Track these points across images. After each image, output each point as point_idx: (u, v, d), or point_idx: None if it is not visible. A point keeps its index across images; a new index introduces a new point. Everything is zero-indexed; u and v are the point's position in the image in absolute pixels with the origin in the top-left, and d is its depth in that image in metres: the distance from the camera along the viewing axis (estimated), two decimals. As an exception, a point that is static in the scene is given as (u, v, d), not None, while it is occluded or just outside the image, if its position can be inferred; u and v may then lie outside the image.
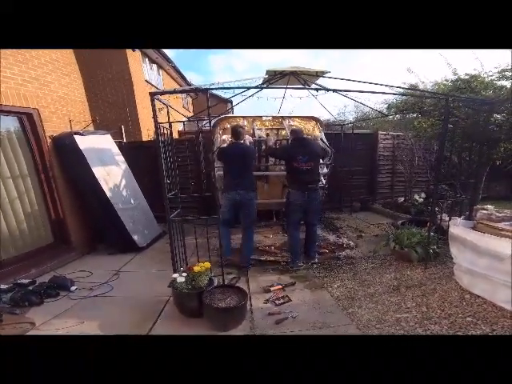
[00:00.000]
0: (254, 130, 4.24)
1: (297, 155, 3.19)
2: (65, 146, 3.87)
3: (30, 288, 2.91)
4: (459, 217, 3.15)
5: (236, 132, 3.30)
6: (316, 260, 3.48)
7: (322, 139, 4.35)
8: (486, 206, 3.65)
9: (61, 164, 3.96)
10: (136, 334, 2.23)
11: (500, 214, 3.03)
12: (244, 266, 3.35)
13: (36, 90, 3.62)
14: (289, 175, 3.39)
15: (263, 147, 4.12)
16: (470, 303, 2.43)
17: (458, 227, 2.76)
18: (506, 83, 3.73)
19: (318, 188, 3.41)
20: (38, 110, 3.64)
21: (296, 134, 3.39)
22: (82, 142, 3.94)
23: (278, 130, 4.45)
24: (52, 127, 3.88)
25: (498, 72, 3.73)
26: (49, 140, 3.80)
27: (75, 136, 3.90)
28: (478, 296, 2.50)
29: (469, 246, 2.57)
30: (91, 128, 4.66)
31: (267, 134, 4.25)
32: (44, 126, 3.73)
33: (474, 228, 2.71)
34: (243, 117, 4.49)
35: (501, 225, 2.54)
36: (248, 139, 3.67)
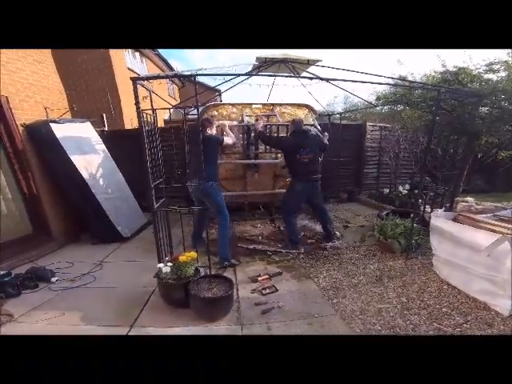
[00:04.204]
0: (243, 116, 4.17)
1: (299, 147, 3.29)
2: (40, 134, 3.69)
3: (6, 279, 2.79)
4: (441, 208, 3.24)
5: (201, 124, 3.11)
6: (336, 239, 3.72)
7: (315, 126, 4.34)
8: (466, 199, 3.79)
9: (37, 153, 3.78)
10: (120, 325, 2.20)
11: (479, 207, 3.14)
12: (220, 265, 3.10)
13: (3, 77, 3.39)
14: (291, 167, 3.49)
15: (252, 134, 4.04)
16: (447, 294, 2.51)
17: (439, 219, 2.81)
18: (493, 76, 3.78)
19: (319, 178, 3.57)
20: (6, 97, 3.41)
21: (297, 125, 3.46)
22: (59, 130, 3.76)
23: (268, 116, 4.38)
24: (24, 115, 3.68)
25: (486, 65, 3.76)
26: (21, 128, 3.61)
27: (51, 124, 3.71)
28: (455, 287, 2.58)
29: (448, 237, 2.62)
30: (69, 116, 4.47)
31: (256, 119, 4.16)
32: (14, 113, 3.52)
33: (455, 220, 2.77)
34: (232, 104, 4.39)
35: (479, 217, 2.61)
36: (220, 125, 3.70)
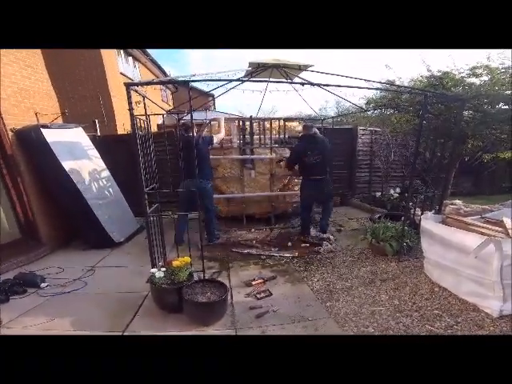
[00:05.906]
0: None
1: (306, 151, 3.65)
2: (30, 139, 3.64)
3: (-6, 285, 2.75)
4: (430, 211, 3.31)
5: (184, 126, 3.77)
6: (326, 235, 4.01)
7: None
8: (454, 201, 3.88)
9: (27, 158, 3.72)
10: (112, 331, 2.17)
11: (467, 209, 3.23)
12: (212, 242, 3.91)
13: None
14: (300, 168, 3.90)
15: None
16: (438, 296, 2.54)
17: (428, 221, 2.85)
18: (476, 80, 3.89)
19: (327, 177, 3.87)
20: (-5, 102, 3.37)
21: (306, 129, 3.83)
22: (50, 135, 3.72)
23: (262, 120, 4.75)
24: (14, 120, 3.64)
25: (469, 69, 3.88)
26: (10, 133, 3.56)
27: (42, 129, 3.67)
28: (446, 289, 2.61)
29: (438, 239, 2.66)
30: (60, 121, 4.45)
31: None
32: (4, 118, 3.48)
33: (444, 222, 2.82)
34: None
35: (468, 219, 2.68)
36: (217, 120, 4.33)
